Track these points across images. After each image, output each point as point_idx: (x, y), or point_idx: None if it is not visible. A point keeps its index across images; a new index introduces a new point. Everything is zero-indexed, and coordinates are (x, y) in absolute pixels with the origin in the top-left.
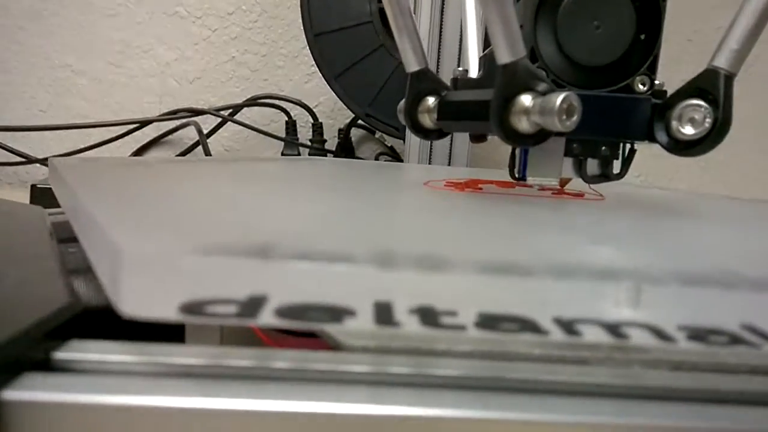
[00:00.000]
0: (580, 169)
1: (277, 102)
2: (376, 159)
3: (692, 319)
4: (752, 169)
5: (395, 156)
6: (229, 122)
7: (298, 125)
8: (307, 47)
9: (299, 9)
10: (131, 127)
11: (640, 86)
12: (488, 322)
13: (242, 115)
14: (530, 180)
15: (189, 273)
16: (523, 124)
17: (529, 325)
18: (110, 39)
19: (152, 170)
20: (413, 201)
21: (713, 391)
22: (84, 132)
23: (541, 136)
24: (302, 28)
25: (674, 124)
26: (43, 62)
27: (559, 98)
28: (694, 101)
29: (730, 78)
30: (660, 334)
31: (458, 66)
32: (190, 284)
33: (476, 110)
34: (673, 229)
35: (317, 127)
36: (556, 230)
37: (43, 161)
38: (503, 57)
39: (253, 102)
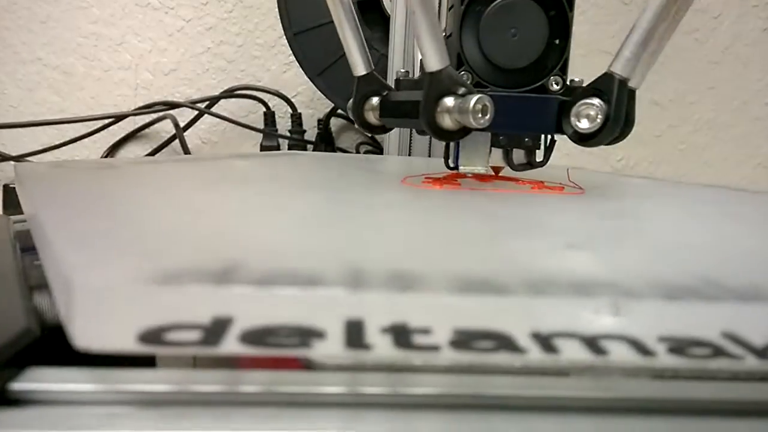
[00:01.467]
0: (507, 158)
1: (254, 93)
2: (357, 149)
3: (673, 331)
4: (732, 152)
5: (376, 145)
6: (207, 114)
7: (277, 116)
8: (284, 36)
9: (276, 4)
10: (106, 121)
11: (554, 85)
12: (464, 339)
13: (219, 107)
14: (462, 169)
15: (146, 302)
16: (447, 122)
17: (505, 341)
18: (82, 32)
19: (119, 175)
20: (389, 203)
21: (695, 401)
22: (58, 127)
23: (463, 131)
24: (278, 17)
25: (573, 119)
26: (13, 57)
27: (473, 100)
28: (590, 100)
29: (623, 82)
30: (640, 347)
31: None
32: (148, 313)
33: (410, 109)
34: (653, 227)
35: (296, 118)
36: (533, 232)
37: (17, 158)
38: (431, 66)
39: (230, 94)
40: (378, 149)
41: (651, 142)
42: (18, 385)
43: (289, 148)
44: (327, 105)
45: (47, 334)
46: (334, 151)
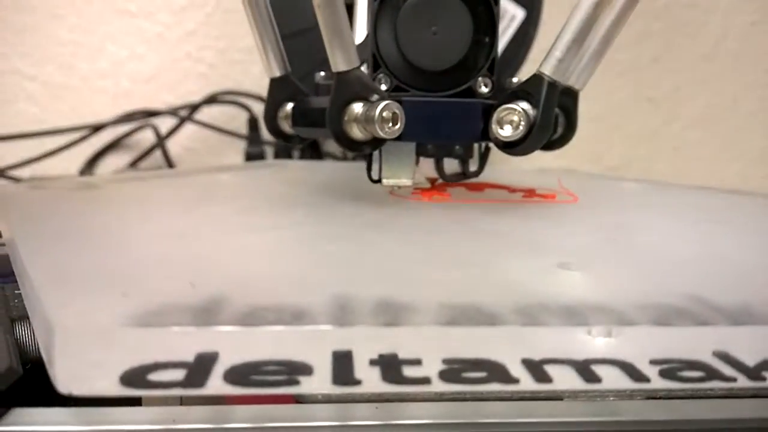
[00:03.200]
0: (438, 168)
1: (237, 98)
2: (344, 155)
3: (665, 354)
4: (726, 147)
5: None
6: (189, 122)
7: (261, 120)
8: None
9: None
10: (86, 132)
11: (483, 88)
12: (454, 370)
13: (202, 113)
14: (385, 182)
15: (127, 344)
16: (355, 132)
17: (497, 370)
18: (59, 40)
19: (98, 197)
20: (377, 221)
21: (688, 422)
22: (38, 138)
23: (375, 142)
24: None
25: (494, 127)
26: None
27: (378, 107)
28: (512, 105)
29: (553, 84)
30: (632, 371)
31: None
32: (130, 355)
33: (320, 117)
34: (644, 240)
35: None
36: (523, 251)
37: None
38: (338, 66)
39: (212, 100)
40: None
41: (645, 140)
42: (3, 428)
43: (274, 155)
44: None
45: (31, 369)
46: (321, 155)
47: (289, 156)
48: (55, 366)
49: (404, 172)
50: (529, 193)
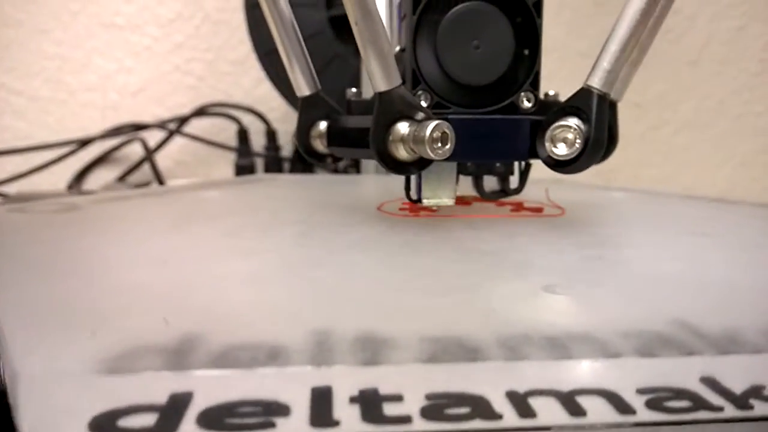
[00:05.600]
0: (478, 186)
1: (226, 110)
2: (336, 165)
3: (651, 382)
4: (713, 151)
5: (355, 159)
6: (178, 135)
7: (251, 132)
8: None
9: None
10: (73, 147)
11: (526, 103)
12: (436, 405)
13: (191, 126)
14: (426, 202)
15: (95, 389)
16: (401, 152)
17: (481, 404)
18: (45, 54)
19: (78, 221)
20: (363, 238)
21: None
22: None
23: (422, 163)
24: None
25: (548, 145)
26: None
27: (429, 127)
28: (566, 122)
29: (603, 97)
30: (618, 402)
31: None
32: (98, 400)
33: (359, 137)
34: (631, 259)
35: (271, 135)
36: (509, 270)
37: None
38: (379, 85)
39: (201, 112)
40: (358, 163)
41: (633, 145)
42: None
43: (264, 167)
44: None
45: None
46: (312, 167)
47: (279, 168)
48: (21, 413)
49: (445, 191)
50: (517, 206)
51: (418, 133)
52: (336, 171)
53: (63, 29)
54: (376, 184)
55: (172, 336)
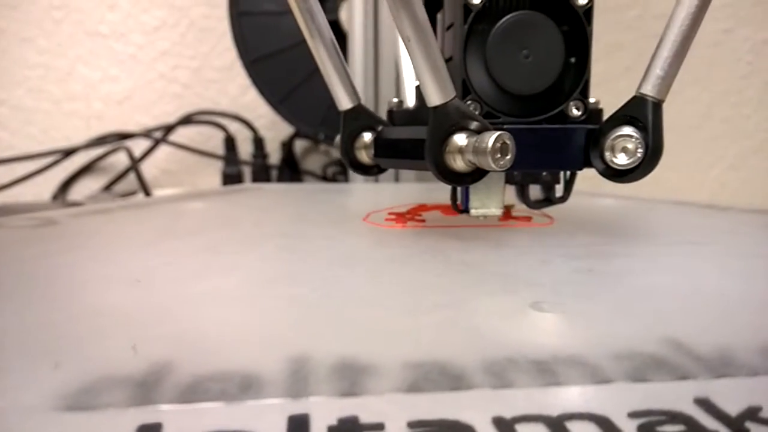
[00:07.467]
0: (523, 195)
1: (213, 118)
2: (324, 171)
3: (643, 406)
4: (702, 155)
5: (344, 167)
6: (164, 143)
7: (238, 140)
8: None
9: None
10: (57, 157)
11: (575, 111)
12: None
13: (177, 134)
14: (474, 212)
15: (57, 428)
16: (458, 164)
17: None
18: (28, 63)
19: (53, 238)
20: (347, 252)
21: None
22: (9, 165)
23: (478, 174)
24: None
25: (608, 155)
26: None
27: (491, 138)
28: (626, 131)
29: (657, 105)
30: (609, 427)
31: (395, 97)
32: None
33: (411, 148)
34: (621, 272)
35: (258, 142)
36: (495, 285)
37: None
38: (433, 99)
39: (187, 120)
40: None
41: None
42: None
43: (252, 174)
44: (290, 127)
45: None
46: (300, 174)
47: (267, 176)
48: None
49: (493, 201)
50: (505, 215)
51: (479, 144)
52: (324, 178)
53: (46, 37)
54: (363, 194)
55: (138, 366)
